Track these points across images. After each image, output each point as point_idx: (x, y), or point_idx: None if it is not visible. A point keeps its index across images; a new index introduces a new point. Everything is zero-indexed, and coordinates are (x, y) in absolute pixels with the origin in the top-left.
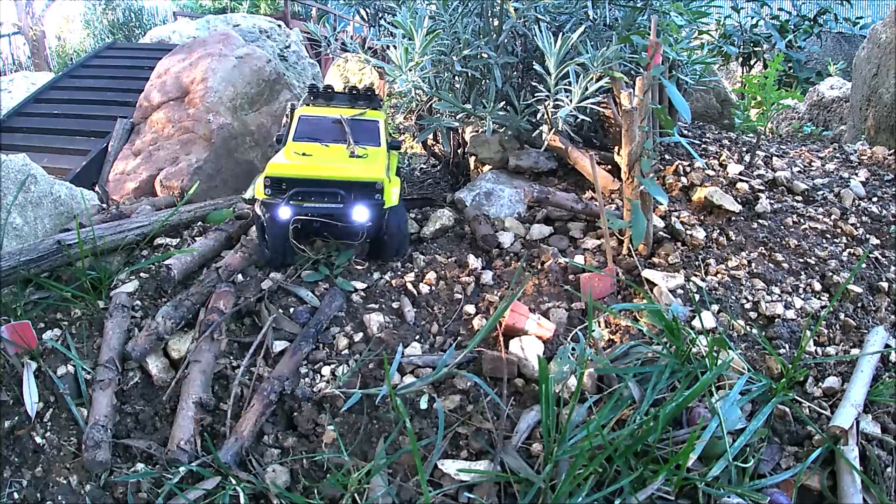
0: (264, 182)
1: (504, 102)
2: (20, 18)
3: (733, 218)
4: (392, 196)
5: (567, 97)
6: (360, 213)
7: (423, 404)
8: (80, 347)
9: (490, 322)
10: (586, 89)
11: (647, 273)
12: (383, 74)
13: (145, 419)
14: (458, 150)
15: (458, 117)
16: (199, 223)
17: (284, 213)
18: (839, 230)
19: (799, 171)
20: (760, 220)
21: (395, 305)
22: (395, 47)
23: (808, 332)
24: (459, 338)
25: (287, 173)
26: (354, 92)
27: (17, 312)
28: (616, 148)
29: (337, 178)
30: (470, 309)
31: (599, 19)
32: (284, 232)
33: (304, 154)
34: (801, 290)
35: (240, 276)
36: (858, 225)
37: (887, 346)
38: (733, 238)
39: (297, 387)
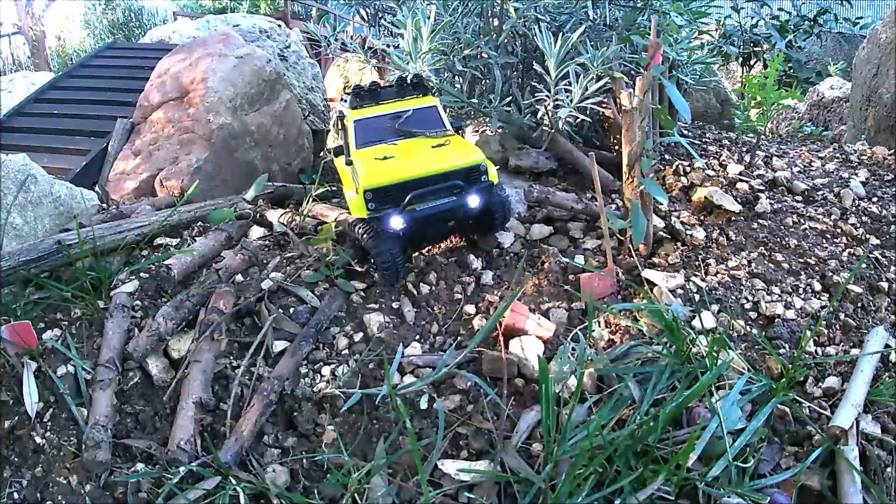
0: (364, 197)
1: (509, 99)
2: (20, 18)
3: (733, 218)
4: (492, 172)
5: (567, 97)
6: (474, 199)
7: (423, 404)
8: (80, 347)
9: (490, 322)
10: (586, 89)
11: (647, 273)
12: (383, 74)
13: (145, 419)
14: None
15: (461, 112)
16: (199, 223)
17: (397, 222)
18: (839, 230)
19: (799, 171)
20: (760, 220)
21: (395, 305)
22: (402, 38)
23: (808, 332)
24: (459, 338)
25: (392, 180)
26: (400, 83)
27: (17, 312)
28: (616, 148)
29: (445, 171)
30: (470, 309)
31: (599, 19)
32: (397, 244)
33: (385, 158)
34: (801, 290)
35: (239, 277)
36: (858, 225)
37: (887, 346)
38: (733, 238)
39: (297, 387)
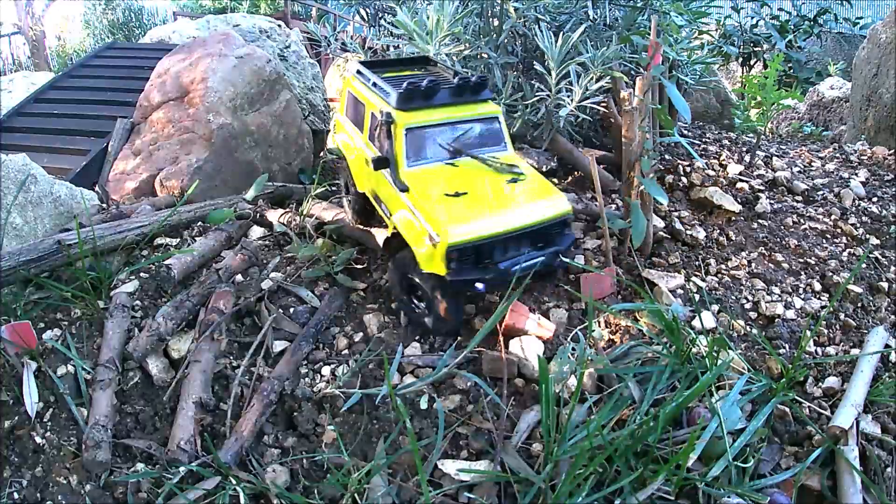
0: (448, 255)
1: (521, 94)
2: (20, 18)
3: (733, 218)
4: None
5: (568, 97)
6: (564, 257)
7: (423, 404)
8: (80, 347)
9: (490, 322)
10: (587, 89)
11: (647, 273)
12: None
13: (145, 419)
14: None
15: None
16: (199, 223)
17: (481, 283)
18: (839, 230)
19: (799, 171)
20: (760, 220)
21: (394, 305)
22: (425, 16)
23: (808, 332)
24: (459, 338)
25: (480, 236)
26: (462, 83)
27: (17, 312)
28: (616, 148)
29: (536, 224)
30: (470, 309)
31: (599, 19)
32: (463, 295)
33: (456, 194)
34: (801, 290)
35: (239, 277)
36: (858, 225)
37: (887, 346)
38: (733, 238)
39: (297, 387)
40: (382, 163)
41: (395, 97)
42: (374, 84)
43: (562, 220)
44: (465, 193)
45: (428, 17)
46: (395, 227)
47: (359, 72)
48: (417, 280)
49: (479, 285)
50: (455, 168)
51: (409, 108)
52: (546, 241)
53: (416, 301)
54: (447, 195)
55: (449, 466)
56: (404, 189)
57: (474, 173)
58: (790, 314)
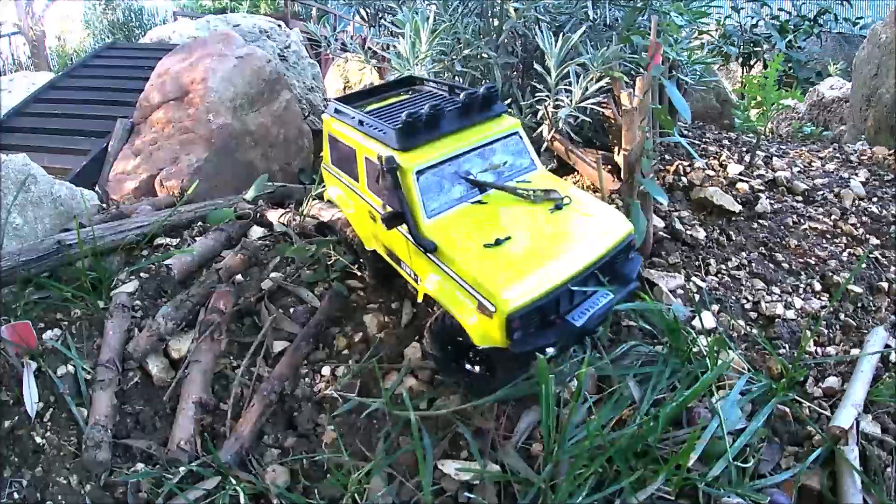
0: (509, 325)
1: (509, 101)
2: (20, 18)
3: (733, 218)
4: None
5: (567, 97)
6: (636, 283)
7: (423, 404)
8: (80, 347)
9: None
10: (586, 89)
11: (647, 273)
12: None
13: (145, 419)
14: None
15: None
16: (199, 223)
17: (553, 346)
18: (839, 230)
19: (799, 172)
20: (760, 220)
21: (394, 305)
22: (395, 46)
23: (808, 332)
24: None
25: (543, 292)
26: (469, 100)
27: (17, 312)
28: (616, 148)
29: (599, 259)
30: None
31: (599, 19)
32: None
33: (497, 242)
34: (801, 290)
35: (239, 277)
36: (858, 225)
37: (887, 346)
38: (733, 238)
39: (297, 387)
40: (395, 219)
41: (393, 135)
42: (361, 122)
43: (627, 241)
44: (508, 239)
45: (402, 40)
46: (426, 294)
47: (337, 111)
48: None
49: (551, 349)
50: (484, 207)
51: (414, 145)
52: (611, 272)
53: (469, 365)
54: (487, 246)
55: (449, 467)
56: (432, 249)
57: (509, 209)
58: (790, 314)
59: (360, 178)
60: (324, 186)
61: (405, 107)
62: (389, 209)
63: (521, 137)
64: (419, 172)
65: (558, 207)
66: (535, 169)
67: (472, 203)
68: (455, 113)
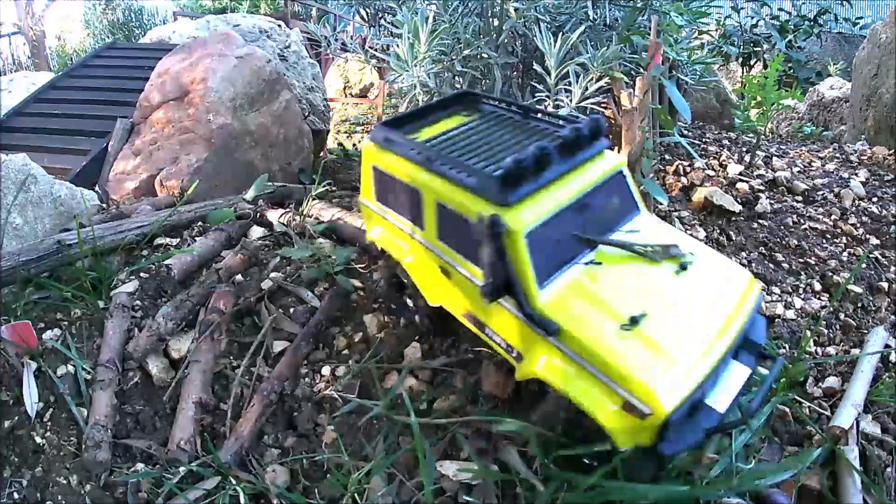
0: (665, 427)
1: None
2: (20, 18)
3: (733, 218)
4: None
5: (567, 97)
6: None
7: (423, 405)
8: (80, 347)
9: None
10: (586, 89)
11: None
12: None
13: (145, 419)
14: None
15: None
16: (199, 223)
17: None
18: (839, 230)
19: (799, 171)
20: (760, 220)
21: (394, 305)
22: (397, 46)
23: (808, 332)
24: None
25: (696, 385)
26: (575, 136)
27: (17, 312)
28: (616, 148)
29: (741, 330)
30: None
31: (599, 19)
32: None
33: (632, 322)
34: (801, 290)
35: (239, 277)
36: (858, 225)
37: (887, 346)
38: (733, 238)
39: (297, 387)
40: (500, 292)
41: (492, 185)
42: (431, 160)
43: (757, 305)
44: (644, 316)
45: (400, 42)
46: (532, 376)
47: (388, 140)
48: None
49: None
50: (602, 271)
51: (518, 198)
52: (752, 343)
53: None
54: (624, 328)
55: (448, 467)
56: (554, 331)
57: (630, 272)
58: (790, 314)
59: (425, 226)
60: (324, 186)
61: (471, 135)
62: (487, 277)
63: (625, 177)
64: (530, 235)
65: (684, 267)
66: (639, 214)
67: (586, 266)
68: (556, 152)
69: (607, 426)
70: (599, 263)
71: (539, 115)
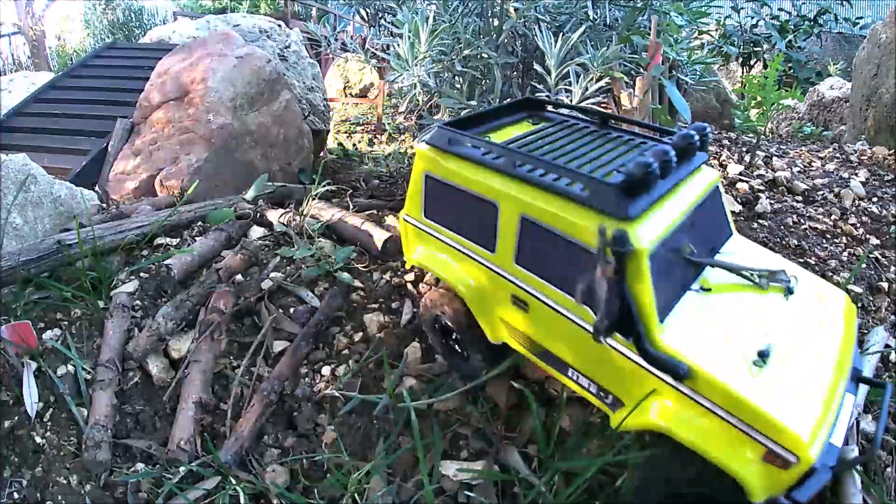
0: (808, 474)
1: (509, 101)
2: (20, 18)
3: (733, 218)
4: None
5: (567, 97)
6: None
7: (423, 405)
8: (80, 347)
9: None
10: (586, 89)
11: None
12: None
13: (145, 419)
14: None
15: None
16: (199, 223)
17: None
18: (839, 230)
19: (799, 172)
20: (760, 220)
21: (394, 305)
22: (397, 46)
23: None
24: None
25: (829, 427)
26: (686, 142)
27: (17, 312)
28: None
29: (852, 360)
30: None
31: (599, 19)
32: None
33: (760, 358)
34: None
35: (239, 277)
36: (858, 225)
37: (887, 346)
38: None
39: (297, 387)
40: (618, 328)
41: (609, 194)
42: (516, 164)
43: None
44: (769, 350)
45: (401, 42)
46: (647, 427)
47: (453, 141)
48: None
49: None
50: (713, 300)
51: (640, 212)
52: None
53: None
54: (756, 364)
55: (448, 467)
56: (685, 374)
57: (743, 301)
58: None
59: (498, 247)
60: (324, 186)
61: (551, 142)
62: (604, 310)
63: (721, 194)
64: (654, 256)
65: (790, 292)
66: (732, 234)
67: (696, 293)
68: (672, 158)
69: (748, 479)
70: (709, 290)
71: (619, 122)
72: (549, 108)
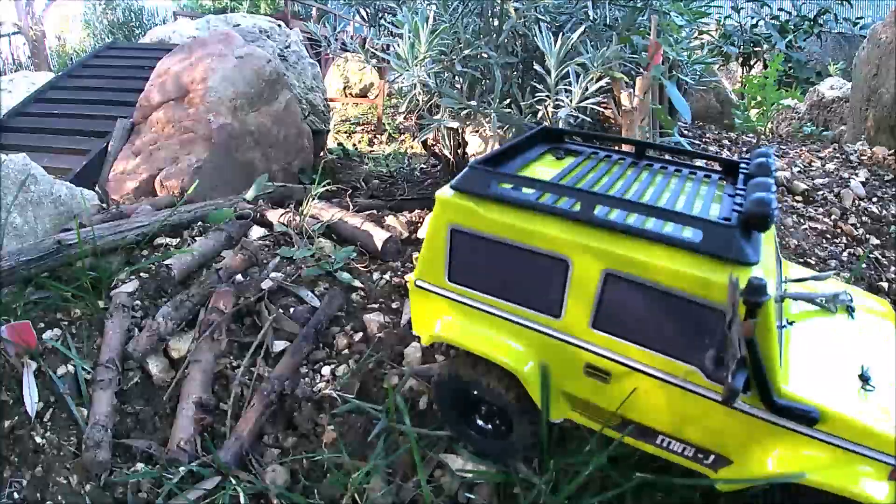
0: None
1: (508, 101)
2: (20, 18)
3: None
4: None
5: (567, 97)
6: None
7: (423, 405)
8: (80, 347)
9: None
10: (586, 89)
11: None
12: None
13: (145, 419)
14: (459, 151)
15: (461, 114)
16: (199, 223)
17: None
18: (839, 230)
19: (799, 172)
20: None
21: (394, 305)
22: (397, 46)
23: None
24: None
25: None
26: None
27: (17, 312)
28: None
29: None
30: None
31: (599, 19)
32: None
33: (864, 381)
34: None
35: (239, 277)
36: (858, 225)
37: None
38: None
39: (297, 387)
40: (752, 389)
41: (728, 237)
42: (592, 205)
43: None
44: (865, 373)
45: (401, 42)
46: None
47: (493, 184)
48: None
49: None
50: (800, 331)
51: (758, 256)
52: None
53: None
54: (865, 388)
55: (452, 460)
56: (815, 419)
57: (822, 328)
58: None
59: (568, 311)
60: (324, 186)
61: (597, 181)
62: (735, 369)
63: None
64: (801, 330)
65: (852, 310)
66: (781, 259)
67: (785, 328)
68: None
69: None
70: (792, 323)
71: (660, 151)
72: (569, 137)
